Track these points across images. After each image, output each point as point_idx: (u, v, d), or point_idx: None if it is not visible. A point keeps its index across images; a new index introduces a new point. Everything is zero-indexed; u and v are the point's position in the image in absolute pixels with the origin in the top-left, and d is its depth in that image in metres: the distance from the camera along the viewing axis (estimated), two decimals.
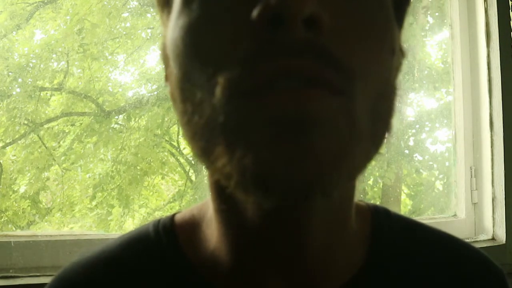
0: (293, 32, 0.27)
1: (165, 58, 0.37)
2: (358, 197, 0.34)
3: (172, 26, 0.33)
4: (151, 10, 1.53)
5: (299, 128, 0.26)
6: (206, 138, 0.30)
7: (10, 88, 1.30)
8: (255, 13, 0.27)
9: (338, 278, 0.40)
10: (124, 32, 1.53)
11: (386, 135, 0.33)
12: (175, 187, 1.68)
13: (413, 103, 1.75)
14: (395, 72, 0.34)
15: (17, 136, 1.29)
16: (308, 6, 0.26)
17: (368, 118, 0.30)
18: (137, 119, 1.48)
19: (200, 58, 0.30)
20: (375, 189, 1.83)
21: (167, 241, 0.43)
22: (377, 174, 1.71)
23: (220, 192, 0.36)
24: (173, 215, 0.45)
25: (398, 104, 0.34)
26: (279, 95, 0.27)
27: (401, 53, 0.37)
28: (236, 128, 0.28)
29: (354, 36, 0.30)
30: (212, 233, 0.41)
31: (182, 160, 1.66)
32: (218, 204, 0.38)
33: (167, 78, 0.38)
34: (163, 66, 0.39)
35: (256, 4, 0.27)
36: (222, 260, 0.39)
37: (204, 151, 0.30)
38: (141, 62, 1.57)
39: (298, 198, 0.27)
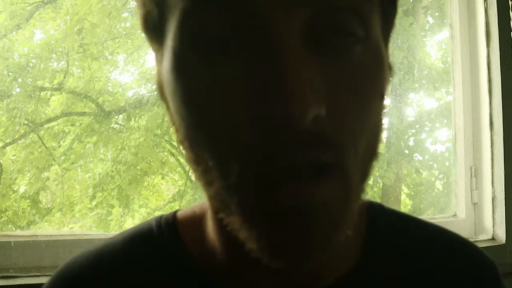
0: (297, 132, 0.29)
1: (161, 93, 0.37)
2: None
3: (168, 76, 0.33)
4: None
5: (305, 216, 0.30)
6: (222, 200, 0.32)
7: (10, 88, 1.30)
8: (259, 113, 0.29)
9: (334, 272, 0.41)
10: (124, 32, 1.53)
11: (373, 163, 0.35)
12: (175, 187, 1.69)
13: (413, 103, 1.75)
14: (383, 106, 0.35)
15: (17, 136, 1.29)
16: (311, 112, 0.28)
17: (361, 164, 0.32)
18: (137, 119, 1.48)
19: (207, 138, 0.32)
20: (375, 189, 1.83)
21: (169, 235, 0.43)
22: (377, 174, 1.71)
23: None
24: (175, 212, 0.46)
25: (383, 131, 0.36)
26: (290, 188, 0.30)
27: (389, 69, 0.38)
28: (251, 213, 0.31)
29: (346, 111, 0.31)
30: (210, 230, 0.42)
31: (182, 160, 1.66)
32: (212, 207, 0.39)
33: (162, 99, 0.38)
34: (159, 95, 0.39)
35: (257, 95, 0.29)
36: (220, 254, 0.40)
37: (221, 205, 0.33)
38: (141, 62, 1.57)
39: (308, 263, 0.31)
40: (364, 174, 0.34)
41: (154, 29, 0.35)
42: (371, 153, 0.34)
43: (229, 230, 0.36)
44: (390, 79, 0.38)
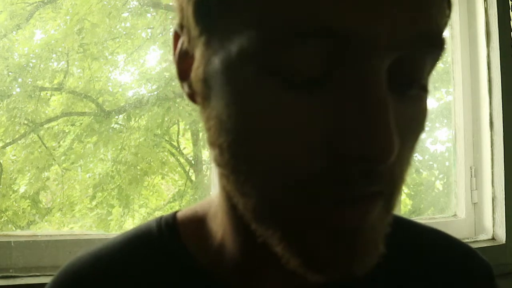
0: (372, 170, 0.30)
1: (196, 86, 0.35)
2: None
3: (221, 86, 0.32)
4: (151, 10, 1.53)
5: (353, 240, 0.31)
6: (260, 213, 0.32)
7: (10, 88, 1.30)
8: (344, 149, 0.29)
9: None
10: (124, 32, 1.53)
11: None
12: (175, 187, 1.69)
13: None
14: None
15: (17, 136, 1.29)
16: (394, 155, 0.29)
17: (397, 194, 0.34)
18: (137, 119, 1.48)
19: (262, 157, 0.31)
20: None
21: (169, 236, 0.43)
22: None
23: (229, 196, 0.37)
24: (175, 212, 0.46)
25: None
26: (341, 211, 0.30)
27: None
28: (297, 230, 0.31)
29: (405, 151, 0.33)
30: (217, 229, 0.41)
31: (182, 160, 1.66)
32: (226, 205, 0.39)
33: (183, 78, 0.37)
34: (180, 69, 0.37)
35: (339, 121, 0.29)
36: (227, 255, 0.40)
37: (256, 218, 0.33)
38: (141, 62, 1.57)
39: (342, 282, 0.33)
40: (396, 203, 0.36)
41: (207, 15, 0.32)
42: (403, 180, 0.36)
43: (242, 228, 0.37)
44: None
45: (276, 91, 0.29)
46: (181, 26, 0.36)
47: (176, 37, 0.38)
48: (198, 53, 0.34)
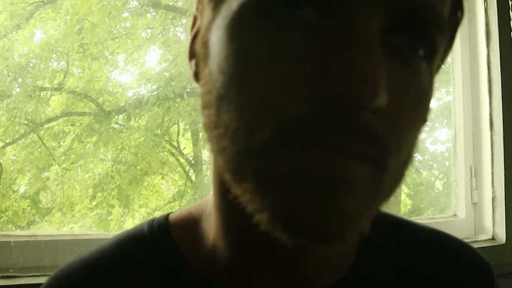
0: (355, 116, 0.28)
1: (199, 51, 0.36)
2: None
3: (221, 32, 0.32)
4: (151, 10, 1.53)
5: (331, 188, 0.28)
6: (236, 165, 0.31)
7: (10, 88, 1.30)
8: (324, 86, 0.27)
9: (330, 276, 0.41)
10: (124, 32, 1.53)
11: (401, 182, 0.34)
12: (175, 187, 1.68)
13: None
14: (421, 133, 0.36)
15: (17, 136, 1.29)
16: (379, 100, 0.27)
17: (393, 178, 0.32)
18: (137, 119, 1.48)
19: (249, 97, 0.30)
20: None
21: (161, 238, 0.43)
22: None
23: (222, 187, 0.36)
24: (168, 214, 0.46)
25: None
26: (318, 157, 0.28)
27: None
28: (271, 177, 0.29)
29: (399, 118, 0.31)
30: (211, 229, 0.41)
31: (182, 160, 1.66)
32: (219, 199, 0.39)
33: (191, 56, 0.38)
34: (190, 49, 0.38)
35: (323, 63, 0.28)
36: (219, 256, 0.40)
37: (232, 173, 0.31)
38: (141, 62, 1.57)
39: (318, 244, 0.30)
40: (392, 190, 0.33)
41: None
42: (402, 172, 0.34)
43: (230, 225, 0.36)
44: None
45: (261, 26, 0.30)
46: (198, 8, 0.38)
47: (194, 21, 0.39)
48: (205, 21, 0.35)
